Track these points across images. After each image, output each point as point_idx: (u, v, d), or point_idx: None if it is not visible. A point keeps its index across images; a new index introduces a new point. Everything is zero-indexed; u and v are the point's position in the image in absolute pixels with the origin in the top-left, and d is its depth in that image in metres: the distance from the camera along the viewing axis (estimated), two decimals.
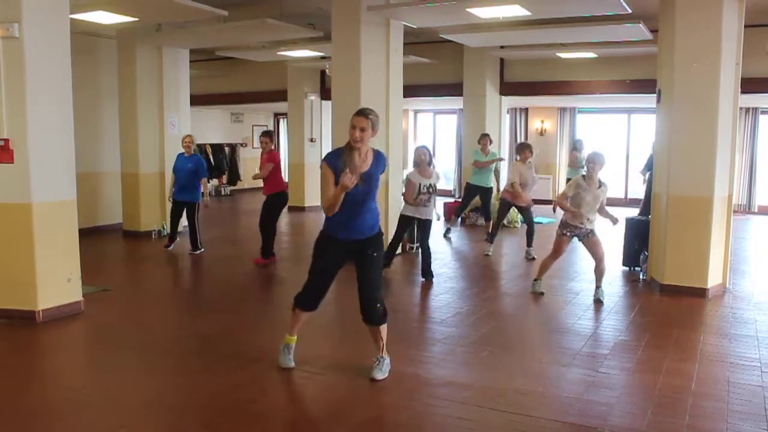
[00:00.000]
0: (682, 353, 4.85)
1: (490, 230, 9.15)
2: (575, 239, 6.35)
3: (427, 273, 7.19)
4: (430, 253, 7.22)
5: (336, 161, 4.03)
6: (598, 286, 6.36)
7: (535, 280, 6.71)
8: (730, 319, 5.81)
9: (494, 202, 10.21)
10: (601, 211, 6.27)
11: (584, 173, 6.24)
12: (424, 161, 7.03)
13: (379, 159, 4.18)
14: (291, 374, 4.31)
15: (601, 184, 6.17)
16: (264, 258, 8.01)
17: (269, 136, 8.00)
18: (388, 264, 7.38)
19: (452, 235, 10.48)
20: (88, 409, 3.80)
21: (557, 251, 6.43)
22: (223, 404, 3.84)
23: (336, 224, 4.14)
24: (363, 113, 4.04)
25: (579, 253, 8.04)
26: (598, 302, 6.24)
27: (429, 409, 3.85)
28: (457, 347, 4.96)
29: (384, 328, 4.27)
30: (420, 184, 6.95)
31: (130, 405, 3.87)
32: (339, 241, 4.17)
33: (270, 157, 7.89)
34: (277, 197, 7.98)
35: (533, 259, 8.37)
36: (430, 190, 7.00)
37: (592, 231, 6.25)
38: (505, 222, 11.37)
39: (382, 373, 4.23)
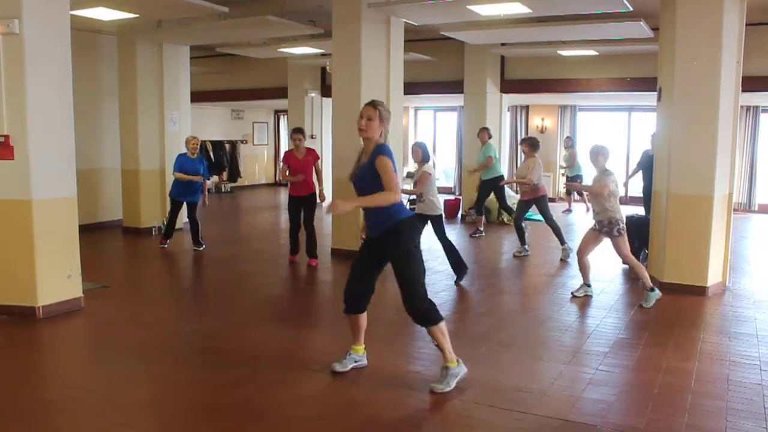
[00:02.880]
0: (681, 351, 4.85)
1: (517, 231, 8.63)
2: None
3: (460, 268, 6.96)
4: (453, 247, 7.03)
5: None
6: (645, 289, 6.08)
7: (588, 285, 6.43)
8: (730, 317, 5.81)
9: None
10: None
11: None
12: (416, 158, 7.02)
13: (373, 150, 3.93)
14: (291, 373, 4.31)
15: (601, 177, 6.06)
16: (315, 257, 7.92)
17: (303, 133, 7.84)
18: None
19: (452, 233, 10.46)
20: (88, 406, 3.81)
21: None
22: (223, 402, 3.84)
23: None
24: (371, 102, 4.01)
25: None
26: (640, 307, 6.02)
27: (428, 406, 3.85)
28: (456, 344, 4.94)
29: (435, 331, 3.99)
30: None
31: (130, 402, 3.87)
32: (369, 238, 4.13)
33: (315, 155, 7.82)
34: (314, 196, 7.89)
35: (566, 259, 8.08)
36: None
37: (612, 229, 6.02)
38: (505, 220, 11.38)
39: (441, 386, 3.94)
